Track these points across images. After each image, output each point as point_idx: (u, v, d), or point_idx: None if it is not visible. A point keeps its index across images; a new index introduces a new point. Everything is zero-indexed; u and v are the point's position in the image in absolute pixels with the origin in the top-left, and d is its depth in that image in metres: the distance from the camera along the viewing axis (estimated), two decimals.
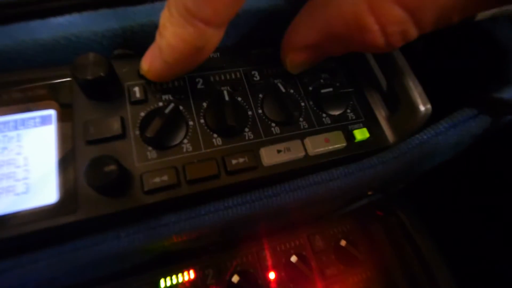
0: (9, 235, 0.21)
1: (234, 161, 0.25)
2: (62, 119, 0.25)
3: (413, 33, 0.22)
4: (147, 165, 0.24)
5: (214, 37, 0.22)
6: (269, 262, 0.30)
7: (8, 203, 0.23)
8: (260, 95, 0.29)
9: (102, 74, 0.24)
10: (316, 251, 0.31)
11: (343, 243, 0.32)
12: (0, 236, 0.21)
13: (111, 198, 0.23)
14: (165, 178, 0.23)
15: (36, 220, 0.22)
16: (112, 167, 0.21)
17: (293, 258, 0.30)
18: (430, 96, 0.28)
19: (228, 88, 0.28)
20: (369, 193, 0.32)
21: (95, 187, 0.21)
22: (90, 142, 0.24)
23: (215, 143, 0.26)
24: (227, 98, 0.26)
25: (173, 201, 0.24)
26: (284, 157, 0.27)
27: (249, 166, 0.25)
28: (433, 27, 0.22)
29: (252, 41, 0.32)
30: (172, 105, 0.25)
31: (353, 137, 0.29)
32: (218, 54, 0.30)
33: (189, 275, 0.29)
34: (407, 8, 0.20)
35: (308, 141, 0.28)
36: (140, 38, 0.28)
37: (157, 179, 0.23)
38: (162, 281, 0.28)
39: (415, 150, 0.28)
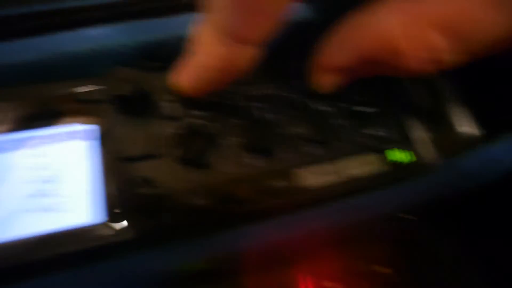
0: (49, 255, 0.21)
1: (271, 183, 0.24)
2: (97, 134, 0.25)
3: (450, 61, 0.20)
4: (183, 187, 0.23)
5: (252, 55, 0.21)
6: (304, 286, 0.29)
7: (46, 221, 0.22)
8: (294, 112, 0.28)
9: (135, 90, 0.23)
10: (351, 275, 0.30)
11: (385, 270, 0.30)
12: (38, 256, 0.21)
13: (151, 217, 0.22)
14: (202, 200, 0.23)
15: (82, 240, 0.22)
16: (151, 190, 0.21)
17: (336, 284, 0.29)
18: (476, 117, 0.27)
19: (261, 104, 0.27)
20: (403, 216, 0.31)
21: (137, 205, 0.21)
22: (125, 160, 0.23)
23: (250, 163, 0.25)
24: (260, 116, 0.25)
25: (211, 222, 0.23)
26: (323, 179, 0.26)
27: (286, 188, 0.24)
28: (474, 58, 0.20)
29: (278, 53, 0.31)
30: (210, 123, 0.24)
31: (390, 159, 0.28)
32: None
33: None
34: (448, 36, 0.19)
35: (346, 162, 0.26)
36: (169, 51, 0.27)
37: (196, 200, 0.23)
38: None
39: (458, 173, 0.26)
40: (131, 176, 0.23)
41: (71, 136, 0.25)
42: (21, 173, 0.23)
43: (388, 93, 0.30)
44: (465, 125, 0.26)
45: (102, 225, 0.22)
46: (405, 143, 0.29)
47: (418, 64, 0.20)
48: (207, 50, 0.20)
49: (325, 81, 0.25)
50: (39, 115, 0.25)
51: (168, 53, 0.26)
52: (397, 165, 0.28)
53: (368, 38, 0.21)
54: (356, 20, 0.22)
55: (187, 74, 0.23)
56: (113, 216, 0.22)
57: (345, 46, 0.23)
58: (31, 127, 0.25)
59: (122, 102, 0.23)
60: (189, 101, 0.26)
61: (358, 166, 0.27)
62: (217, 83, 0.23)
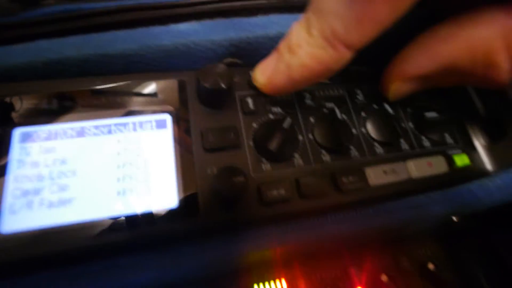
0: (128, 236, 0.22)
1: (345, 179, 0.25)
2: (178, 124, 0.26)
3: None
4: (262, 177, 0.25)
5: (348, 60, 0.22)
6: (358, 278, 0.30)
7: (130, 203, 0.23)
8: (363, 114, 0.29)
9: (224, 86, 0.24)
10: (403, 271, 0.31)
11: (430, 266, 0.31)
12: (118, 238, 0.22)
13: (229, 207, 0.23)
14: (281, 191, 0.24)
15: (156, 222, 0.23)
16: (241, 178, 0.22)
17: (384, 278, 0.30)
18: None
19: (333, 105, 0.28)
20: (454, 218, 0.32)
21: (222, 195, 0.22)
22: (208, 150, 0.24)
23: (324, 159, 0.26)
24: (339, 116, 0.27)
25: (286, 214, 0.24)
26: (390, 179, 0.27)
27: (358, 186, 0.26)
28: None
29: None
30: (289, 120, 0.25)
31: (454, 162, 0.29)
32: None
33: (281, 283, 0.29)
34: None
35: (411, 164, 0.27)
36: (253, 50, 0.28)
37: (274, 192, 0.24)
38: (255, 286, 0.28)
39: None
40: (210, 165, 0.24)
41: (153, 125, 0.26)
42: (106, 158, 0.25)
43: (454, 97, 0.31)
44: None
45: (177, 211, 0.23)
46: (466, 148, 0.30)
47: (509, 77, 0.21)
48: (307, 52, 0.21)
49: (400, 88, 0.26)
50: (126, 103, 0.26)
51: (252, 51, 0.27)
52: (456, 168, 0.29)
53: (462, 47, 0.22)
54: (444, 30, 0.23)
55: (275, 72, 0.24)
56: (189, 204, 0.23)
57: (431, 55, 0.24)
58: (115, 115, 0.26)
59: (210, 95, 0.25)
60: (268, 98, 0.27)
61: (421, 168, 0.28)
62: (302, 84, 0.24)
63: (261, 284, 0.28)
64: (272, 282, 0.29)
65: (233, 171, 0.22)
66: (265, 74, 0.25)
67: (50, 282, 0.22)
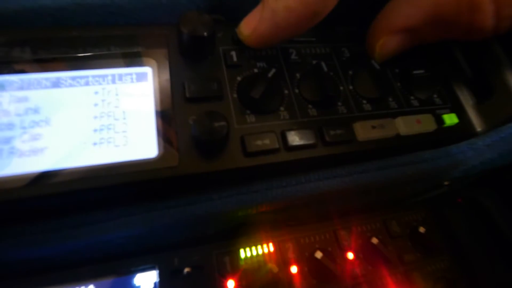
0: (106, 184, 0.21)
1: (332, 132, 0.24)
2: (159, 76, 0.25)
3: None
4: (246, 128, 0.24)
5: (333, 3, 0.22)
6: (347, 242, 0.29)
7: (107, 154, 0.22)
8: (350, 72, 0.28)
9: (205, 33, 0.23)
10: (393, 236, 0.31)
11: (421, 229, 0.31)
12: (96, 185, 0.21)
13: (211, 157, 0.22)
14: (266, 141, 0.23)
15: (135, 172, 0.22)
16: (222, 123, 0.21)
17: (374, 240, 0.29)
18: None
19: (319, 61, 0.28)
20: (446, 183, 0.31)
21: (201, 140, 0.21)
22: (190, 100, 0.23)
23: (311, 113, 0.25)
24: (326, 69, 0.26)
25: (271, 166, 0.23)
26: (378, 134, 0.26)
27: (345, 138, 0.25)
28: None
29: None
30: (273, 70, 0.24)
31: (442, 121, 0.28)
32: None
33: (268, 247, 0.28)
34: None
35: (400, 120, 0.27)
36: (237, 5, 0.27)
37: (259, 142, 0.23)
38: (242, 251, 0.27)
39: (509, 139, 0.27)
40: (192, 115, 0.23)
41: (133, 77, 0.25)
42: (82, 109, 0.24)
43: (439, 59, 0.31)
44: None
45: (156, 161, 0.22)
46: (454, 108, 0.30)
47: (494, 22, 0.21)
48: None
49: (387, 44, 0.26)
50: (105, 55, 0.25)
51: (236, 7, 0.26)
52: (445, 127, 0.28)
53: None
54: None
55: (259, 21, 0.23)
56: (169, 154, 0.22)
57: (418, 3, 0.23)
58: (94, 67, 0.25)
59: (187, 44, 0.24)
60: (253, 53, 0.26)
61: (409, 125, 0.27)
62: (287, 31, 0.23)
63: (247, 248, 0.27)
64: (259, 246, 0.28)
65: (214, 115, 0.21)
66: (249, 24, 0.24)
67: (17, 236, 0.21)
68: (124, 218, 0.22)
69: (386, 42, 0.26)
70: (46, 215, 0.21)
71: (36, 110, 0.23)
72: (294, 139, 0.24)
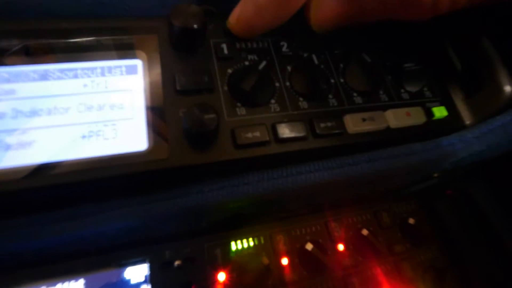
0: (96, 177, 0.21)
1: (322, 125, 0.25)
2: (150, 68, 0.25)
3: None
4: (237, 121, 0.24)
5: None
6: (338, 234, 0.29)
7: (96, 147, 0.22)
8: (342, 65, 0.28)
9: (196, 26, 0.23)
10: (383, 227, 0.31)
11: (411, 221, 0.31)
12: (86, 178, 0.21)
13: (201, 149, 0.22)
14: (257, 134, 0.23)
15: (125, 165, 0.22)
16: (212, 115, 0.21)
17: (364, 232, 0.29)
18: None
19: (310, 54, 0.28)
20: (435, 175, 0.32)
21: (192, 132, 0.21)
22: (180, 92, 0.23)
23: (301, 106, 0.26)
24: (317, 62, 0.26)
25: (262, 158, 0.24)
26: (368, 126, 0.26)
27: (336, 131, 0.25)
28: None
29: None
30: (264, 62, 0.24)
31: (432, 114, 0.28)
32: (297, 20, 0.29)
33: (259, 239, 0.28)
34: None
35: (390, 113, 0.27)
36: None
37: (249, 135, 0.23)
38: (233, 243, 0.27)
39: (497, 131, 0.27)
40: (182, 108, 0.23)
41: (123, 70, 0.25)
42: (70, 102, 0.23)
43: (430, 53, 0.31)
44: (506, 84, 0.27)
45: (146, 154, 0.22)
46: (444, 101, 0.30)
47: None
48: None
49: (323, 29, 0.25)
50: (94, 47, 0.25)
51: None
52: (434, 120, 0.29)
53: None
54: None
55: (243, 7, 0.23)
56: (159, 146, 0.22)
57: None
58: (83, 59, 0.25)
59: (177, 37, 0.24)
60: (244, 45, 0.26)
61: (399, 118, 0.27)
62: (271, 14, 0.23)
63: (238, 241, 0.27)
64: (250, 238, 0.28)
65: (204, 107, 0.21)
66: (235, 12, 0.24)
67: (7, 229, 0.21)
68: (115, 211, 0.22)
69: (321, 29, 0.26)
70: (36, 209, 0.21)
71: (23, 103, 0.23)
72: (285, 131, 0.24)
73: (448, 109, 0.29)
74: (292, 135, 0.24)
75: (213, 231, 0.27)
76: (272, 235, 0.28)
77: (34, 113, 0.22)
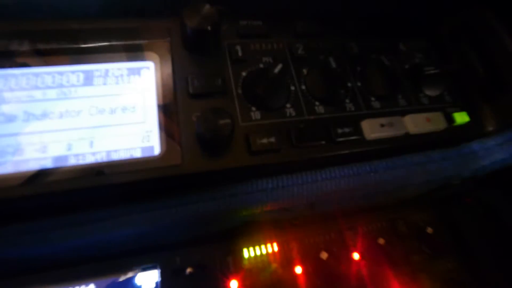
0: (106, 183, 0.20)
1: (339, 131, 0.24)
2: (162, 70, 0.24)
3: None
4: (251, 126, 0.23)
5: None
6: (353, 243, 0.29)
7: (107, 151, 0.22)
8: (359, 68, 0.27)
9: (210, 27, 0.22)
10: (400, 236, 0.30)
11: (429, 230, 0.30)
12: (96, 183, 0.20)
13: (214, 155, 0.22)
14: (272, 140, 0.22)
15: (136, 171, 0.21)
16: (227, 120, 0.20)
17: (381, 241, 0.28)
18: None
19: (327, 56, 0.27)
20: (454, 183, 0.31)
21: (206, 138, 0.20)
22: (193, 96, 0.23)
23: (317, 111, 0.25)
24: (334, 65, 0.25)
25: (276, 165, 0.23)
26: (387, 133, 0.25)
27: (353, 137, 0.24)
28: None
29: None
30: (280, 65, 0.23)
31: (453, 120, 0.27)
32: (313, 21, 0.28)
33: (272, 247, 0.27)
34: None
35: (409, 118, 0.26)
36: None
37: (264, 141, 0.22)
38: (245, 250, 0.27)
39: None
40: (195, 112, 0.22)
41: (135, 72, 0.24)
42: (81, 104, 0.23)
43: (450, 55, 0.30)
44: None
45: (158, 159, 0.21)
46: (465, 106, 0.29)
47: None
48: None
49: None
50: (105, 48, 0.24)
51: None
52: (455, 126, 0.27)
53: None
54: None
55: None
56: (171, 151, 0.21)
57: None
58: (94, 61, 0.24)
59: (190, 38, 0.23)
60: (259, 47, 0.26)
61: (419, 124, 0.26)
62: None
63: (251, 248, 0.27)
64: (262, 246, 0.27)
65: (218, 112, 0.20)
66: None
67: (17, 234, 0.20)
68: (126, 217, 0.22)
69: None
70: (46, 214, 0.21)
71: (35, 106, 0.22)
72: (301, 137, 0.23)
73: (469, 114, 0.28)
74: (308, 141, 0.23)
75: (225, 238, 0.27)
76: (285, 243, 0.28)
77: (45, 116, 0.22)
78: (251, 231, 0.27)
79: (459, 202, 0.32)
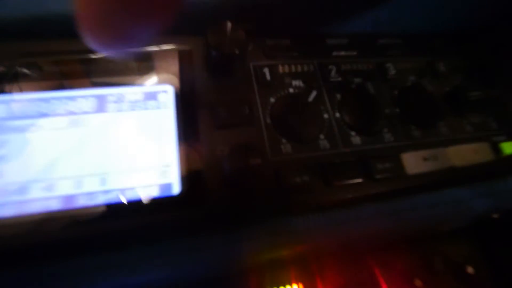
0: (122, 227, 0.18)
1: (379, 166, 0.21)
2: (182, 97, 0.22)
3: None
4: (282, 160, 0.21)
5: None
6: (386, 284, 0.26)
7: (122, 189, 0.19)
8: (395, 92, 0.25)
9: (237, 51, 0.20)
10: (436, 274, 0.27)
11: (470, 270, 0.28)
12: (110, 228, 0.18)
13: (242, 193, 0.19)
14: (305, 178, 0.20)
15: (155, 211, 0.19)
16: (258, 160, 0.18)
17: (418, 283, 0.26)
18: None
19: (363, 79, 0.24)
20: (495, 216, 0.28)
21: (235, 179, 0.18)
22: (219, 127, 0.20)
23: (353, 142, 0.22)
24: (371, 91, 0.23)
25: (309, 205, 0.20)
26: (430, 167, 0.23)
27: (394, 173, 0.22)
28: None
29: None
30: (314, 92, 0.21)
31: (500, 150, 0.25)
32: (347, 40, 0.26)
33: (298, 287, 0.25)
34: None
35: (454, 150, 0.23)
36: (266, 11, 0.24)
37: (297, 178, 0.20)
38: None
39: None
40: (220, 144, 0.20)
41: (152, 97, 0.22)
42: (92, 135, 0.21)
43: (494, 78, 0.27)
44: None
45: (179, 199, 0.19)
46: (510, 133, 0.26)
47: None
48: None
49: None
50: (121, 71, 0.22)
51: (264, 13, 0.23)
52: (505, 157, 0.25)
53: None
54: None
55: None
56: (194, 190, 0.19)
57: None
58: (108, 84, 0.22)
59: (216, 62, 0.21)
60: (288, 69, 0.23)
61: (464, 155, 0.24)
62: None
63: None
64: (287, 286, 0.25)
65: (249, 150, 0.18)
66: None
67: (27, 280, 0.18)
68: (143, 264, 0.19)
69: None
70: (57, 259, 0.19)
71: (45, 135, 0.20)
72: (337, 174, 0.20)
73: None
74: (345, 179, 0.21)
75: (250, 277, 0.25)
76: (311, 284, 0.25)
77: (57, 150, 0.20)
78: (275, 269, 0.25)
79: (500, 235, 0.30)
